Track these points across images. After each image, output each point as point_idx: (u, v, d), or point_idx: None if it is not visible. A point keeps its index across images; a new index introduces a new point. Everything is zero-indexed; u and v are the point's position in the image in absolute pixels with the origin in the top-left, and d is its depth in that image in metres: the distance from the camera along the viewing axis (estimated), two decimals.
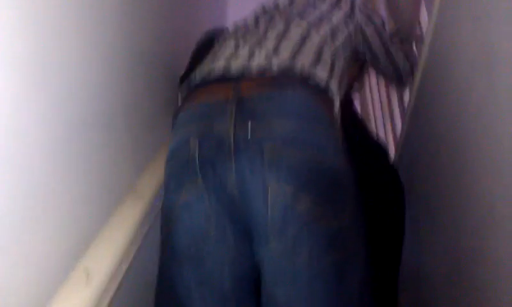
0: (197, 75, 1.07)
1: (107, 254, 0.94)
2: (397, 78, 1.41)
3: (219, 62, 1.05)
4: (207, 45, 1.62)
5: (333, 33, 1.13)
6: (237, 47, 1.08)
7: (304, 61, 1.00)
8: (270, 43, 1.04)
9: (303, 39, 1.06)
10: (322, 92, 0.98)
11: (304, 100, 0.91)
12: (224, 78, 0.99)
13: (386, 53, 1.33)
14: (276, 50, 1.02)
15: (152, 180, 1.17)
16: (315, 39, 1.07)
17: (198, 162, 0.86)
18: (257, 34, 1.11)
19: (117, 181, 1.09)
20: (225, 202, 0.86)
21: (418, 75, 1.37)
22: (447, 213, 1.18)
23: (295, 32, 1.08)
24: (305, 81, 0.97)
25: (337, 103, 1.00)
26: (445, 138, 1.19)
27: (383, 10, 1.84)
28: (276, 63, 0.99)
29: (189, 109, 0.98)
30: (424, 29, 1.45)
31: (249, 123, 0.85)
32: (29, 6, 0.73)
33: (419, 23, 1.50)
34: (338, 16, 1.19)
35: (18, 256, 0.74)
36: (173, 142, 0.97)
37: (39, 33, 0.76)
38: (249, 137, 0.85)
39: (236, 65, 1.01)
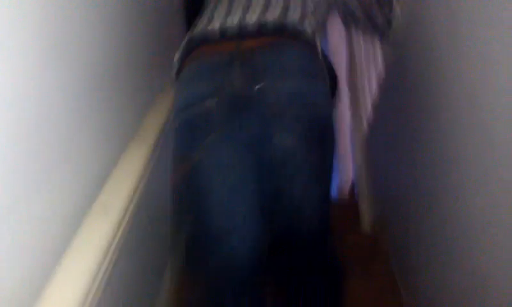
0: (196, 35, 1.13)
1: (120, 189, 1.07)
2: (377, 33, 1.52)
3: (216, 22, 1.12)
4: None
5: None
6: (230, 6, 1.15)
7: (293, 17, 1.11)
8: (261, 2, 1.13)
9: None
10: (312, 46, 1.11)
11: (300, 57, 1.06)
12: (225, 38, 1.08)
13: (363, 12, 1.40)
14: (266, 8, 1.11)
15: (152, 125, 1.30)
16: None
17: (217, 115, 0.98)
18: None
19: (122, 128, 1.22)
20: (239, 145, 0.99)
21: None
22: None
23: None
24: (297, 37, 1.09)
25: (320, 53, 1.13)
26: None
27: None
28: (271, 22, 1.08)
29: (194, 66, 1.07)
30: None
31: (256, 81, 0.99)
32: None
33: None
34: None
35: (48, 192, 0.87)
36: (184, 96, 1.05)
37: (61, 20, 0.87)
38: (255, 91, 0.99)
39: (233, 24, 1.09)
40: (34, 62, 0.81)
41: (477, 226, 1.01)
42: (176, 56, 1.17)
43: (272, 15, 1.10)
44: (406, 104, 1.55)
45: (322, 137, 1.05)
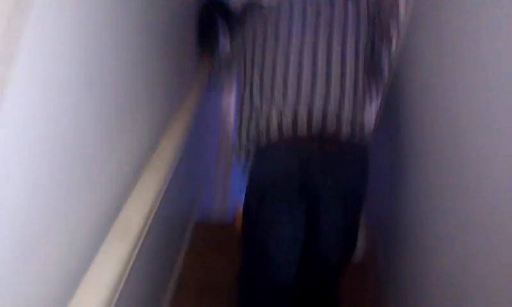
0: (284, 122, 1.47)
1: (140, 208, 1.12)
2: (378, 74, 1.65)
3: (300, 108, 1.46)
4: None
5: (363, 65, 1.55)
6: (312, 91, 1.47)
7: (363, 120, 1.50)
8: (337, 90, 1.47)
9: (355, 85, 1.50)
10: (367, 146, 1.54)
11: (361, 160, 1.53)
12: (309, 131, 1.46)
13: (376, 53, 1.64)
14: (342, 103, 1.46)
15: (168, 150, 1.36)
16: (360, 88, 1.51)
17: (295, 189, 1.46)
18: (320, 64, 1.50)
19: (140, 150, 1.27)
20: (303, 209, 1.47)
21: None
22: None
23: (349, 78, 1.49)
24: (361, 143, 1.51)
25: None
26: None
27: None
28: (348, 128, 1.47)
29: (284, 146, 1.49)
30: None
31: (329, 176, 1.45)
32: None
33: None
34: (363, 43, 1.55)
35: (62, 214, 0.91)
36: (275, 166, 1.49)
37: (91, 47, 0.93)
38: (328, 183, 1.46)
39: (314, 120, 1.46)
40: (67, 96, 0.87)
41: (462, 261, 1.10)
42: (262, 125, 1.51)
43: (345, 114, 1.46)
44: (397, 137, 1.65)
45: (358, 210, 1.55)
